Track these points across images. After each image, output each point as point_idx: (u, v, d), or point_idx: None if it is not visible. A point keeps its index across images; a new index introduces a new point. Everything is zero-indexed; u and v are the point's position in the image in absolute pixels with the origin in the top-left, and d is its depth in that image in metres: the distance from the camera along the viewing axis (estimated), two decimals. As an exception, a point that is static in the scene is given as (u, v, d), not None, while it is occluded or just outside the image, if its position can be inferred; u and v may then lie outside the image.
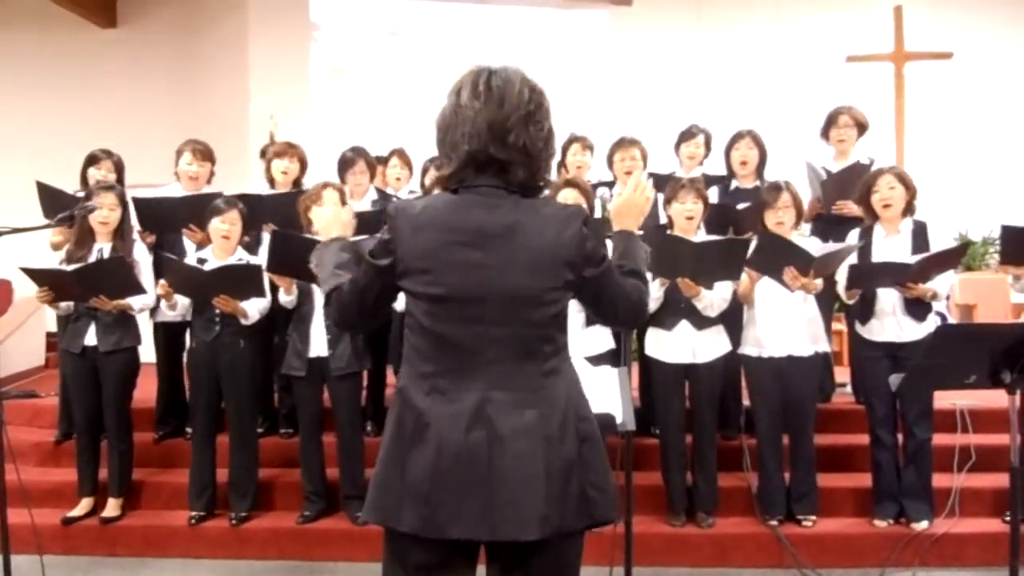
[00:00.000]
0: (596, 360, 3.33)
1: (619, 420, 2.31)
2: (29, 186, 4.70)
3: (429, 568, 1.72)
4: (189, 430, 4.65)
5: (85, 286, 3.99)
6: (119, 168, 4.79)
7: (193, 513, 4.23)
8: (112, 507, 4.28)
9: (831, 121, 4.75)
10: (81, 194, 4.60)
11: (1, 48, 8.60)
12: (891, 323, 3.90)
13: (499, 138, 1.68)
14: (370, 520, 1.75)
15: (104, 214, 4.09)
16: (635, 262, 1.91)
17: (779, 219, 3.90)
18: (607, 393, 2.44)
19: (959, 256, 3.86)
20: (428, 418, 1.69)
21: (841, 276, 3.94)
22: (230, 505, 4.25)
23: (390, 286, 1.77)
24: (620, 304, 1.84)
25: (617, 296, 1.83)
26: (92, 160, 4.77)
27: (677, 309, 3.93)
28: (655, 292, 3.77)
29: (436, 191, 3.86)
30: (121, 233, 4.22)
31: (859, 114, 4.74)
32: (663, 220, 4.32)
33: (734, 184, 4.73)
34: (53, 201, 4.55)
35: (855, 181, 4.44)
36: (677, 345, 3.95)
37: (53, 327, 7.26)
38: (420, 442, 1.69)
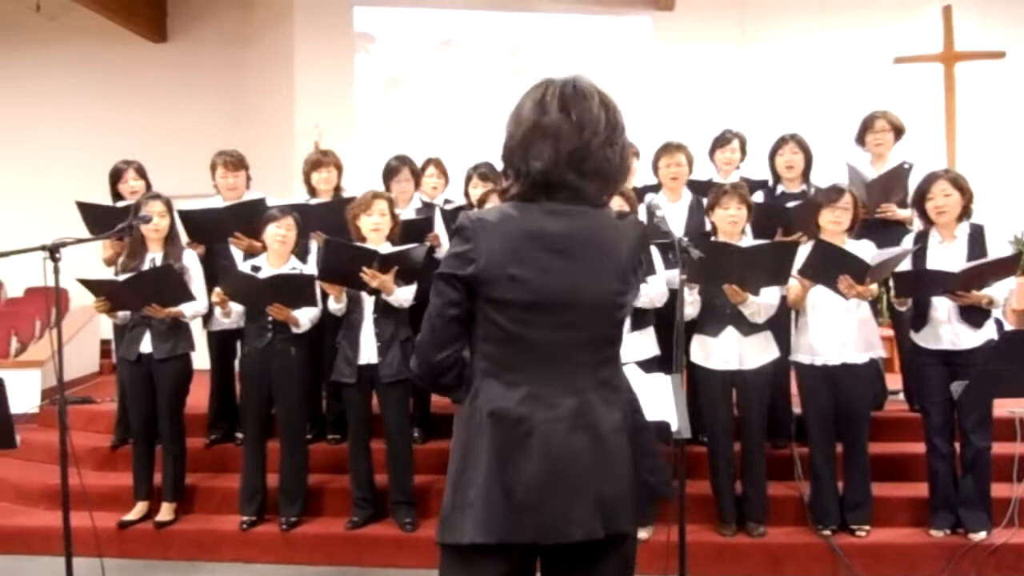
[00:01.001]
0: (643, 367, 3.31)
1: (675, 428, 2.29)
2: (82, 197, 4.82)
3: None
4: (240, 435, 4.73)
5: (138, 295, 4.09)
6: (142, 173, 4.91)
7: (244, 518, 4.30)
8: (166, 511, 4.37)
9: (867, 126, 4.70)
10: (120, 204, 4.70)
11: (58, 61, 8.84)
12: (947, 330, 3.81)
13: (577, 166, 1.68)
14: (486, 540, 1.64)
15: (155, 222, 4.18)
16: None
17: (836, 219, 3.84)
18: (661, 400, 2.42)
19: (1014, 264, 3.76)
20: (531, 424, 1.67)
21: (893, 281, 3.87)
22: (280, 510, 4.31)
23: (468, 303, 1.72)
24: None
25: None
26: (116, 174, 4.91)
27: (723, 315, 3.88)
28: (689, 297, 3.73)
29: (492, 201, 3.90)
30: (171, 240, 4.31)
31: (895, 118, 4.67)
32: (708, 227, 4.29)
33: (780, 189, 4.67)
34: (96, 217, 4.65)
35: (897, 184, 4.40)
36: (723, 352, 3.90)
37: (107, 335, 7.50)
38: (524, 451, 1.66)
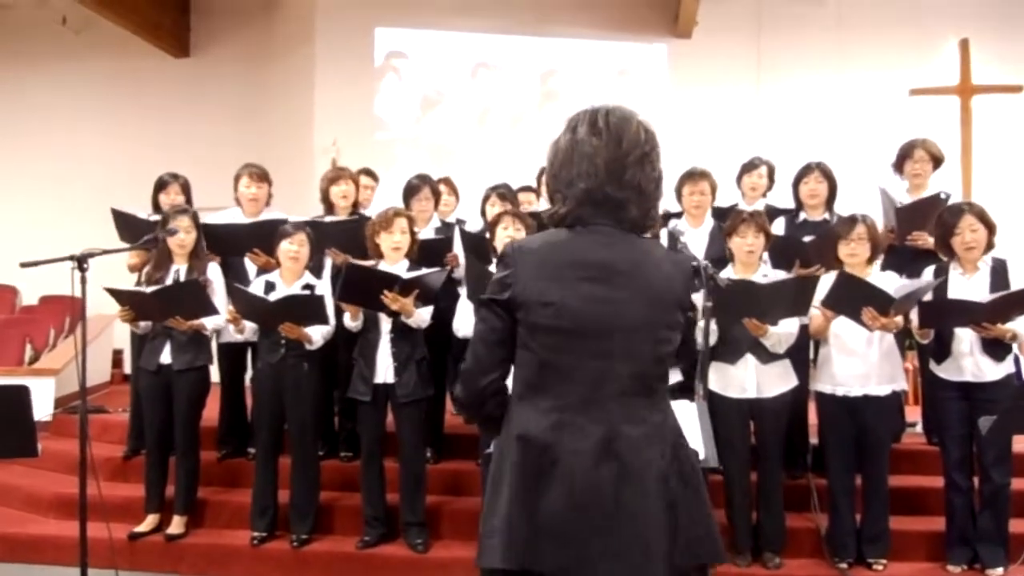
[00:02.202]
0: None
1: (702, 456, 2.27)
2: (103, 208, 4.86)
3: None
4: (251, 450, 4.72)
5: (163, 307, 4.11)
6: (186, 190, 4.94)
7: (255, 534, 4.28)
8: (177, 524, 4.35)
9: (906, 154, 4.68)
10: (154, 218, 4.74)
11: (81, 74, 8.96)
12: (969, 363, 3.79)
13: (616, 177, 1.70)
14: (507, 566, 1.64)
15: (181, 237, 4.21)
16: None
17: (852, 251, 3.83)
18: (688, 428, 2.40)
19: None
20: (556, 453, 1.66)
21: (914, 314, 3.85)
22: (291, 527, 4.28)
23: (511, 328, 1.73)
24: (689, 345, 1.89)
25: (688, 338, 1.85)
26: (161, 185, 4.92)
27: (741, 343, 3.85)
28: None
29: (505, 223, 3.92)
30: (196, 254, 4.33)
31: (934, 147, 4.67)
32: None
33: (802, 216, 4.67)
34: (128, 226, 4.71)
35: (930, 213, 4.32)
36: (741, 380, 3.87)
37: (119, 345, 7.53)
38: (550, 478, 1.65)
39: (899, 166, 4.72)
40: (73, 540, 4.05)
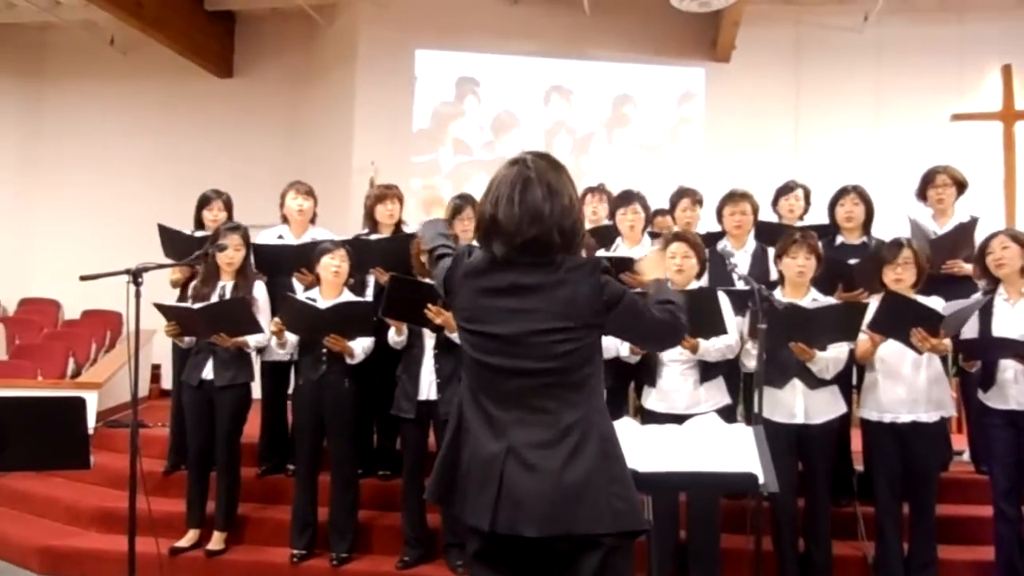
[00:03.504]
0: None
1: (761, 480, 2.25)
2: (147, 225, 4.94)
3: (482, 557, 2.07)
4: (291, 467, 4.73)
5: (209, 323, 4.15)
6: (228, 206, 5.00)
7: (295, 551, 4.28)
8: (217, 540, 4.37)
9: (928, 181, 4.66)
10: (199, 234, 4.81)
11: (128, 93, 9.17)
12: (1014, 391, 3.72)
13: (529, 249, 2.03)
14: (428, 499, 2.17)
15: (230, 254, 4.26)
16: (666, 295, 2.25)
17: (898, 275, 3.79)
18: (744, 452, 2.38)
19: None
20: (471, 426, 2.08)
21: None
22: (331, 545, 4.28)
23: None
24: (653, 328, 2.16)
25: (647, 323, 2.14)
26: (204, 201, 4.99)
27: (788, 367, 3.78)
28: (753, 350, 3.68)
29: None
30: (244, 272, 4.38)
31: (957, 172, 4.64)
32: (773, 275, 4.26)
33: (839, 239, 4.63)
34: (173, 242, 4.78)
35: (964, 240, 4.32)
36: (789, 405, 3.80)
37: (157, 360, 7.61)
38: (465, 443, 2.08)
39: (922, 193, 4.69)
40: (114, 554, 4.12)
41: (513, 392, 2.03)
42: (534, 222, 2.02)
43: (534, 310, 2.02)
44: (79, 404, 2.93)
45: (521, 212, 2.02)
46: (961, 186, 4.65)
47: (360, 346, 4.21)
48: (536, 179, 2.05)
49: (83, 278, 3.16)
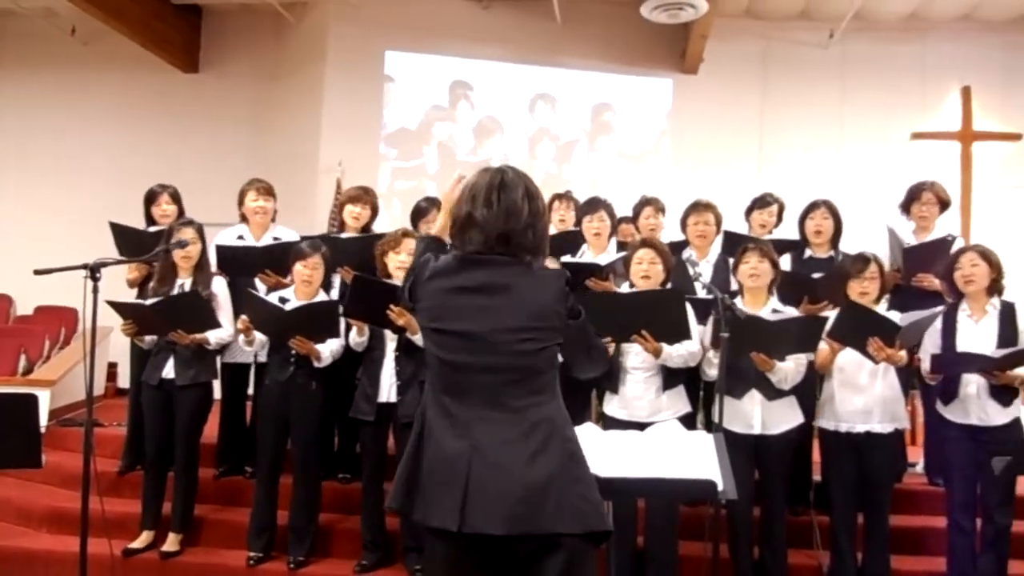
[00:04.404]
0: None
1: (720, 487, 2.27)
2: (107, 220, 4.81)
3: (450, 562, 2.04)
4: (249, 469, 4.67)
5: (164, 320, 4.08)
6: (176, 199, 4.89)
7: (252, 554, 4.22)
8: (172, 542, 4.29)
9: (914, 196, 4.73)
10: (153, 230, 4.72)
11: (89, 85, 8.95)
12: (975, 406, 3.80)
13: (505, 241, 2.09)
14: (392, 507, 2.10)
15: (188, 249, 4.19)
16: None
17: (864, 289, 3.85)
18: (704, 459, 2.40)
19: None
20: (434, 428, 2.06)
21: (924, 355, 3.86)
22: (289, 548, 4.23)
23: None
24: (598, 351, 2.33)
25: (596, 345, 2.31)
26: (151, 196, 4.89)
27: (747, 377, 3.83)
28: (714, 359, 3.73)
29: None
30: (201, 267, 4.31)
31: (942, 190, 4.73)
32: (734, 286, 4.31)
33: (808, 253, 4.70)
34: (128, 239, 4.67)
35: (938, 255, 4.37)
36: (747, 415, 3.84)
37: (113, 358, 7.47)
38: (428, 446, 2.06)
39: (906, 207, 4.76)
40: (66, 555, 4.04)
41: (478, 389, 2.03)
42: (511, 218, 2.07)
43: (503, 308, 2.04)
44: (31, 401, 2.87)
45: (499, 210, 2.07)
46: (944, 204, 4.73)
47: (328, 349, 4.16)
48: (513, 183, 2.12)
49: (37, 272, 3.08)
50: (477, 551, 1.99)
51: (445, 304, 2.08)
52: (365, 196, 4.81)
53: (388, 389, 4.10)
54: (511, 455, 1.98)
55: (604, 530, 2.02)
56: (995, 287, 3.85)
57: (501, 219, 2.07)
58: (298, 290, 4.23)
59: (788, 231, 4.97)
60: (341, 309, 4.17)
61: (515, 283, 2.07)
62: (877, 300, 3.93)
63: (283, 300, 4.20)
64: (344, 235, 4.76)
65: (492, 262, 2.08)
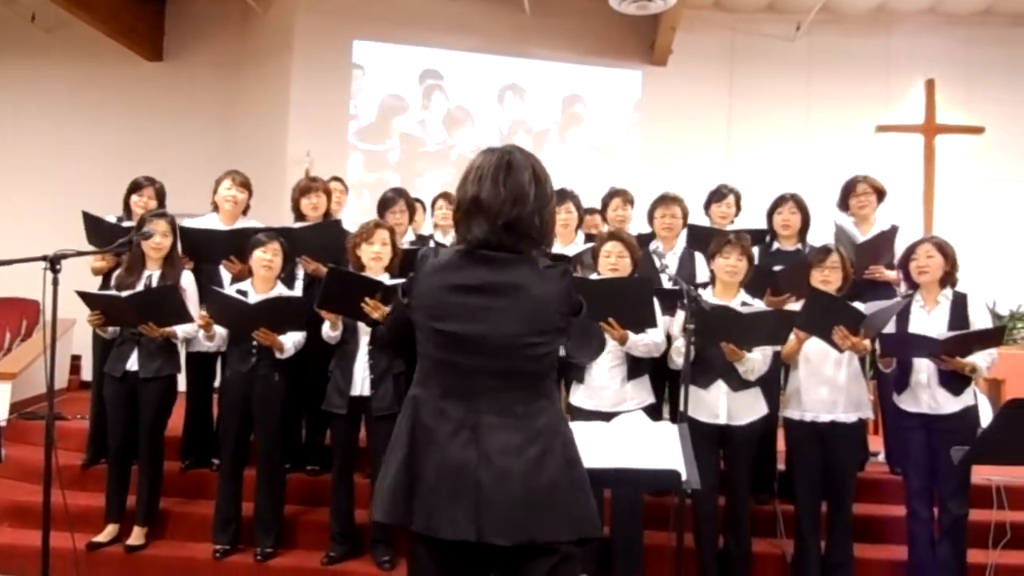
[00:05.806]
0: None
1: (684, 477, 2.30)
2: (75, 212, 4.76)
3: (437, 567, 1.96)
4: (215, 461, 4.64)
5: (136, 312, 4.03)
6: (160, 195, 4.85)
7: (218, 546, 4.21)
8: (137, 535, 4.26)
9: (849, 190, 4.82)
10: (126, 223, 4.66)
11: (51, 74, 8.77)
12: (925, 395, 3.87)
13: (512, 230, 1.99)
14: (386, 521, 1.99)
15: (157, 241, 4.15)
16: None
17: (825, 277, 3.90)
18: (669, 449, 2.43)
19: (998, 336, 3.86)
20: (434, 434, 1.95)
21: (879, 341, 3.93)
22: (255, 540, 4.22)
23: (409, 320, 2.07)
24: (599, 339, 2.30)
25: (597, 334, 2.26)
26: (135, 187, 4.82)
27: (713, 368, 3.86)
28: (682, 348, 3.75)
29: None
30: (171, 260, 4.27)
31: (875, 181, 4.81)
32: (700, 278, 4.35)
33: (775, 246, 4.75)
34: (98, 230, 4.62)
35: (885, 247, 4.49)
36: (712, 405, 3.88)
37: (77, 350, 7.36)
38: (425, 454, 1.96)
39: (844, 202, 4.85)
40: (28, 549, 3.98)
41: (481, 394, 1.95)
42: (517, 203, 1.98)
43: (507, 310, 1.96)
44: (-10, 395, 2.81)
45: (506, 193, 1.98)
46: (881, 194, 4.81)
47: (290, 340, 4.14)
48: (521, 165, 2.03)
49: (-7, 263, 3.03)
50: (468, 555, 1.95)
51: (445, 302, 1.98)
52: (314, 185, 4.79)
53: (361, 383, 4.08)
54: (517, 463, 1.92)
55: (594, 536, 1.99)
56: (948, 279, 3.92)
57: (508, 204, 1.97)
58: (257, 278, 4.20)
59: (748, 220, 5.02)
60: (309, 303, 4.14)
61: (519, 283, 1.98)
62: (840, 290, 3.97)
63: (242, 292, 4.17)
64: (299, 225, 4.71)
65: (495, 259, 1.98)
